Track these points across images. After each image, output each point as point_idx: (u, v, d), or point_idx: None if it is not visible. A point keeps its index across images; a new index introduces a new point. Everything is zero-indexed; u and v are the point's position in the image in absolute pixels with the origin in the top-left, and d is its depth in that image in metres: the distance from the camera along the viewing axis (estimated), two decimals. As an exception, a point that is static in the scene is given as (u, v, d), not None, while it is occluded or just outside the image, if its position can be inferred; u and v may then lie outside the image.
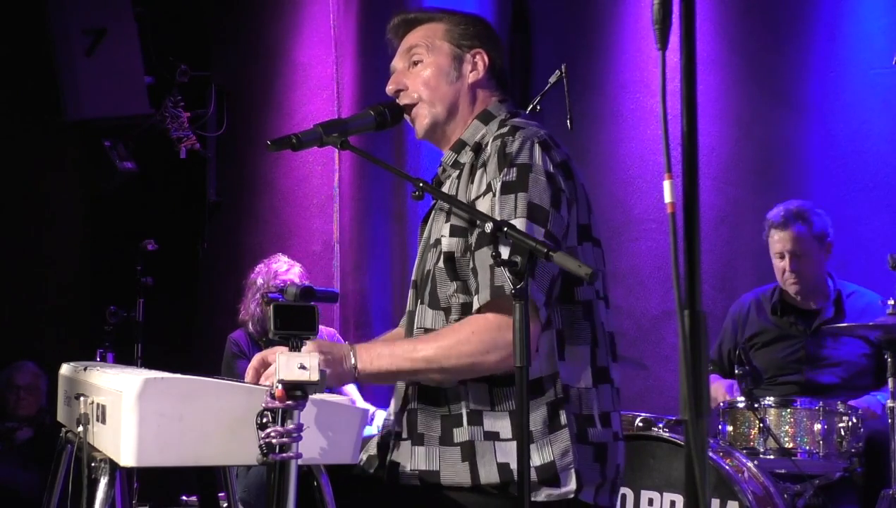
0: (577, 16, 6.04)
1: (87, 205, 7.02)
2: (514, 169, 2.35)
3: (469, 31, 2.61)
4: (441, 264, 2.43)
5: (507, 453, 2.32)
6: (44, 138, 6.64)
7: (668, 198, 1.71)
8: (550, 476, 2.32)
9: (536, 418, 2.33)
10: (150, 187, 6.77)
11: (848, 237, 4.98)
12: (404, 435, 2.43)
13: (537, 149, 2.38)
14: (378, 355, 2.34)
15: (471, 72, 2.57)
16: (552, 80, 4.17)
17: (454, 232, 2.43)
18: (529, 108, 4.06)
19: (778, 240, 4.57)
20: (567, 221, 2.38)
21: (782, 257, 4.56)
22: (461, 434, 2.37)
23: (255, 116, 6.87)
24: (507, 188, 2.34)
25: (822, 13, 5.42)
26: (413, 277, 2.59)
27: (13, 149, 6.59)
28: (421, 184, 2.33)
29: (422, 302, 2.48)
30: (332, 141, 2.44)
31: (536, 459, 2.32)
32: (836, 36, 5.36)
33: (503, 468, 2.33)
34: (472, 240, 2.38)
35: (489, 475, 2.34)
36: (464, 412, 2.37)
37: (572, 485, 2.32)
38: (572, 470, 2.33)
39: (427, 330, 2.44)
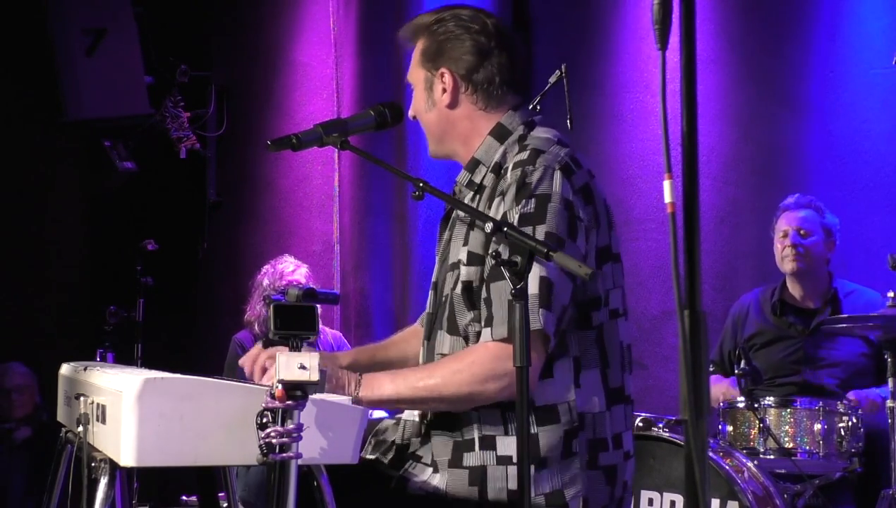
0: (577, 16, 6.04)
1: (87, 204, 7.01)
2: (534, 200, 2.33)
3: (441, 48, 2.52)
4: (459, 292, 2.42)
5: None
6: (44, 138, 6.64)
7: (668, 198, 1.71)
8: (558, 502, 2.33)
9: (550, 444, 2.34)
10: (150, 187, 6.76)
11: (848, 237, 4.97)
12: (426, 461, 2.43)
13: (558, 176, 2.36)
14: (380, 384, 2.36)
15: (442, 94, 2.53)
16: (552, 80, 4.17)
17: (471, 260, 2.41)
18: (530, 108, 4.06)
19: (785, 221, 4.60)
20: (584, 251, 2.36)
21: (786, 235, 4.57)
22: (472, 458, 2.37)
23: (255, 116, 6.87)
24: (525, 220, 2.32)
25: (822, 13, 5.41)
26: (433, 278, 2.58)
27: (13, 148, 6.59)
28: (421, 184, 2.32)
29: (441, 328, 2.47)
30: (333, 141, 2.44)
31: (546, 485, 2.33)
32: (836, 36, 5.36)
33: (512, 493, 2.33)
34: (487, 267, 2.37)
35: (498, 496, 2.35)
36: (476, 436, 2.37)
37: None
38: (580, 498, 2.34)
39: (444, 356, 2.45)
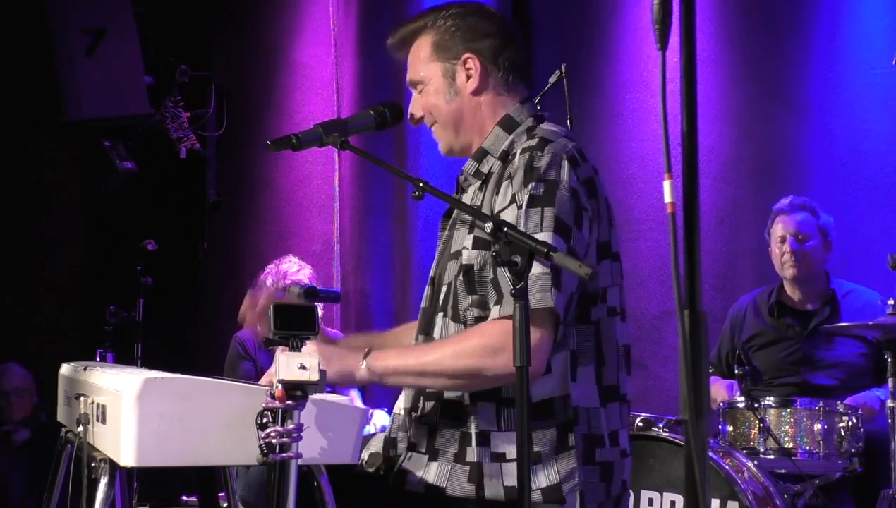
0: (577, 16, 6.04)
1: (87, 204, 7.02)
2: (543, 184, 2.33)
3: (455, 36, 2.52)
4: (461, 277, 2.42)
5: (514, 475, 2.30)
6: (44, 138, 6.64)
7: (668, 198, 1.71)
8: (555, 497, 2.32)
9: (545, 439, 2.33)
10: (150, 187, 6.77)
11: (848, 237, 4.97)
12: (422, 449, 2.42)
13: (566, 165, 2.36)
14: (387, 355, 2.36)
15: (467, 81, 2.52)
16: (552, 79, 4.16)
17: (477, 244, 2.41)
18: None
19: (781, 226, 4.58)
20: (587, 241, 2.37)
21: (783, 241, 4.56)
22: (472, 454, 2.37)
23: (255, 116, 6.87)
24: (534, 202, 2.33)
25: (822, 13, 5.41)
26: (431, 274, 2.57)
27: (13, 149, 6.59)
28: (421, 184, 2.32)
29: (445, 315, 2.47)
30: (333, 141, 2.44)
31: (542, 480, 2.32)
32: (836, 36, 5.36)
33: (509, 490, 2.33)
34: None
35: (495, 494, 2.34)
36: (473, 431, 2.37)
37: (576, 506, 2.33)
38: (577, 492, 2.33)
39: None
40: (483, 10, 2.58)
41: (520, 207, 2.33)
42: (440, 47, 2.53)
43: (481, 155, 2.53)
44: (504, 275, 2.31)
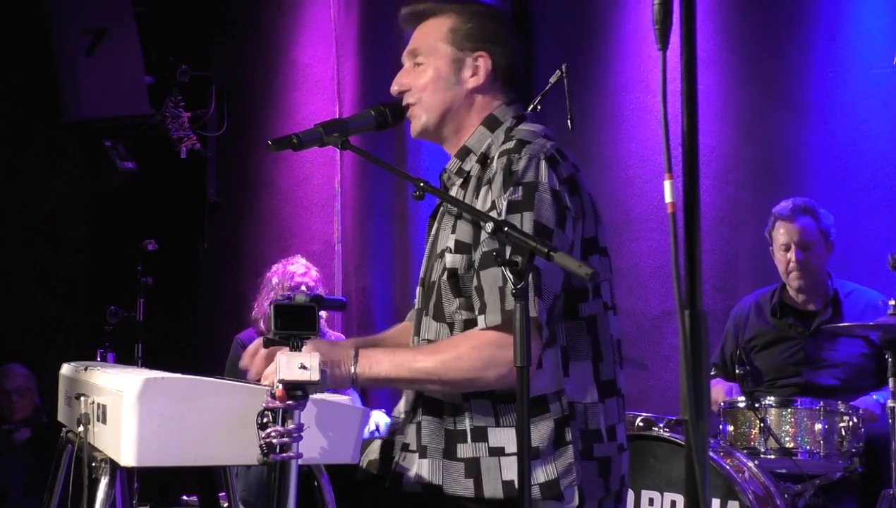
0: (577, 16, 6.04)
1: (86, 205, 7.02)
2: (521, 188, 2.34)
3: (476, 31, 2.53)
4: (445, 278, 2.42)
5: (513, 469, 2.31)
6: (44, 138, 6.64)
7: (668, 198, 1.71)
8: (554, 493, 2.32)
9: (542, 435, 2.33)
10: (150, 187, 6.77)
11: (848, 237, 4.97)
12: (412, 447, 2.43)
13: (543, 166, 2.36)
14: (377, 361, 2.34)
15: (471, 77, 2.52)
16: (552, 80, 4.16)
17: (458, 248, 2.41)
18: (530, 108, 4.05)
19: (784, 233, 4.56)
20: (571, 240, 2.37)
21: (787, 249, 4.55)
22: (465, 450, 2.37)
23: (255, 116, 6.86)
24: (513, 207, 2.33)
25: (822, 13, 5.41)
26: (420, 275, 2.58)
27: (13, 148, 6.59)
28: (422, 184, 2.32)
29: (426, 314, 2.48)
30: (333, 141, 2.44)
31: (541, 476, 2.32)
32: (836, 36, 5.36)
33: (508, 485, 2.33)
34: (476, 257, 2.37)
35: (494, 491, 2.34)
36: (468, 428, 2.37)
37: (575, 502, 2.33)
38: (575, 487, 2.33)
39: (430, 342, 2.45)
40: (504, 19, 2.62)
41: (499, 213, 2.33)
42: (458, 34, 2.53)
43: (464, 153, 2.53)
44: (488, 281, 2.32)
